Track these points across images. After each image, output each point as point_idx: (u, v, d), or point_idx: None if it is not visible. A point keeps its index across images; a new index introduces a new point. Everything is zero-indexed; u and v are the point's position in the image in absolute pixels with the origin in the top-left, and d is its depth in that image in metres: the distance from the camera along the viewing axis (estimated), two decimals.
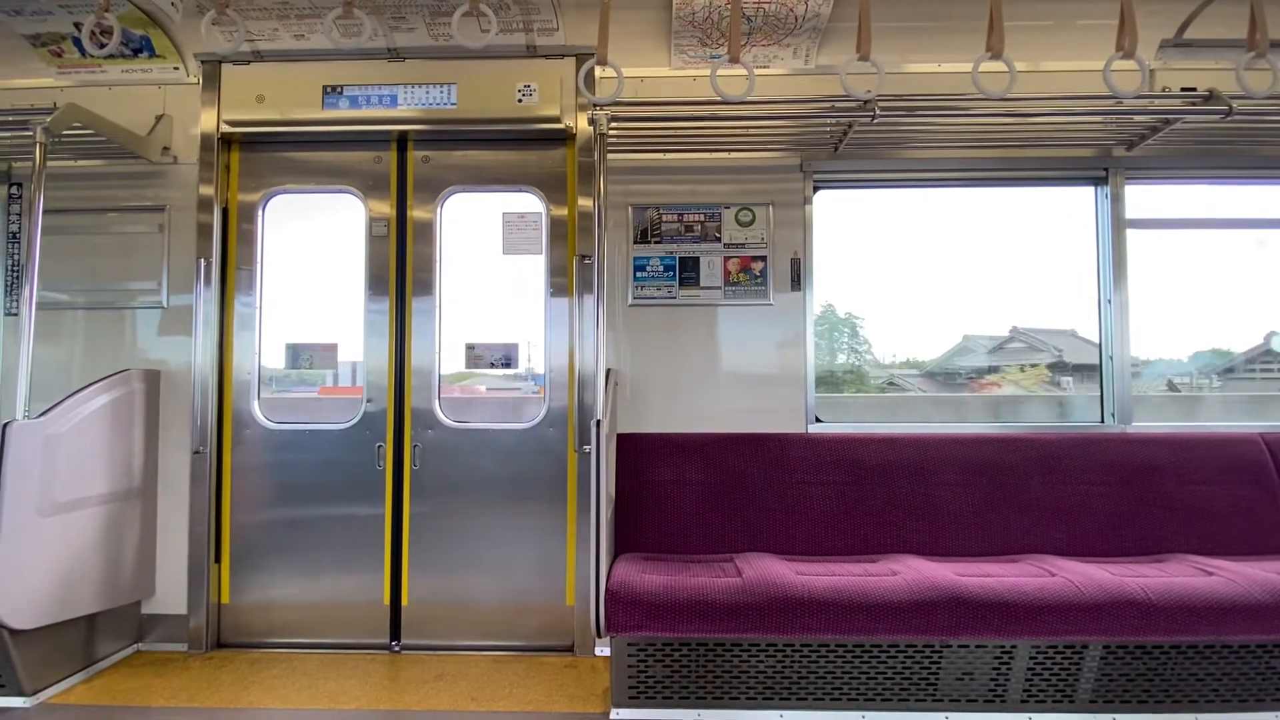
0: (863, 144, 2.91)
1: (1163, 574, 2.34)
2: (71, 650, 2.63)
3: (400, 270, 3.10)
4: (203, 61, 3.05)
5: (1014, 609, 2.14)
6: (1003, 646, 2.21)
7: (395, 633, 3.01)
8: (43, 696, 2.48)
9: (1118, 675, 2.22)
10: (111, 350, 3.06)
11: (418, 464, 3.03)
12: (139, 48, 2.98)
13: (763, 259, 3.03)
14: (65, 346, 3.09)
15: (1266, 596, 2.15)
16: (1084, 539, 2.69)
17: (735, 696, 2.26)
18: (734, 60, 2.35)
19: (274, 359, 3.16)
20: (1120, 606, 2.14)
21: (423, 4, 2.77)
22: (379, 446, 3.04)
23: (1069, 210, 3.14)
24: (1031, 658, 2.22)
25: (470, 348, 3.12)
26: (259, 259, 3.12)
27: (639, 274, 3.04)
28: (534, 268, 3.10)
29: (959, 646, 2.22)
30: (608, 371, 2.58)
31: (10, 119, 2.67)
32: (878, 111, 2.57)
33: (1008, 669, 2.22)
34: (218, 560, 3.03)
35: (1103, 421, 3.05)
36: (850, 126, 2.71)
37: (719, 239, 3.04)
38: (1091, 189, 3.11)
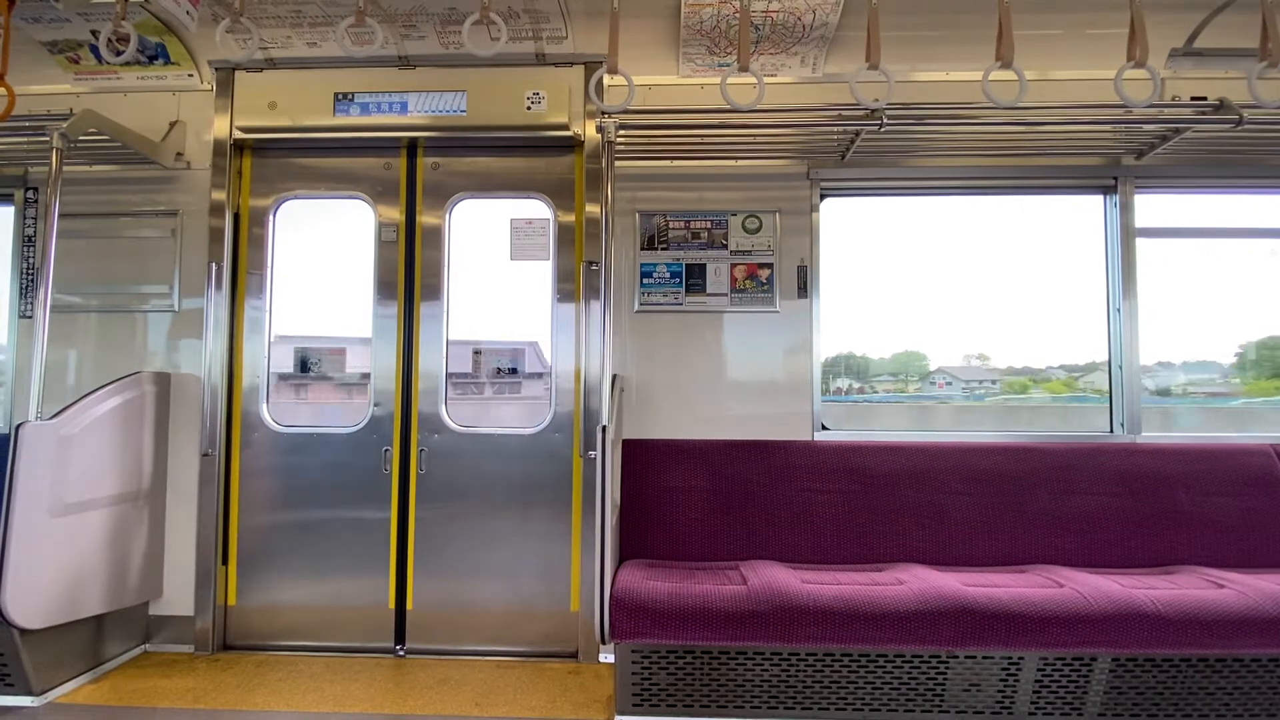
0: (870, 152, 2.91)
1: (1173, 586, 2.31)
2: (79, 650, 2.65)
3: (409, 275, 3.12)
4: (216, 69, 3.09)
5: (1021, 620, 2.13)
6: (1010, 658, 2.19)
7: (400, 637, 3.01)
8: (50, 696, 2.49)
9: (1127, 688, 2.20)
10: (123, 353, 3.09)
11: (424, 468, 3.04)
12: (154, 55, 3.02)
13: (769, 266, 3.03)
14: (78, 349, 3.12)
15: (1278, 610, 2.13)
16: (1093, 549, 2.67)
17: (740, 705, 2.25)
18: (742, 69, 2.36)
19: (283, 362, 3.18)
20: (1129, 619, 2.12)
21: (434, 13, 2.79)
22: (386, 450, 3.05)
23: (1078, 219, 3.13)
24: (1039, 669, 2.20)
25: (477, 352, 3.14)
26: (269, 263, 3.15)
27: (645, 280, 3.05)
28: (541, 273, 3.11)
29: (966, 657, 2.20)
30: (614, 377, 2.58)
31: (27, 124, 2.71)
32: (885, 120, 2.58)
33: (1015, 680, 2.20)
34: (225, 562, 3.05)
35: (1111, 431, 3.02)
36: (858, 135, 2.71)
37: (726, 246, 3.04)
38: (1101, 198, 3.10)
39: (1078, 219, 3.15)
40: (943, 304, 3.23)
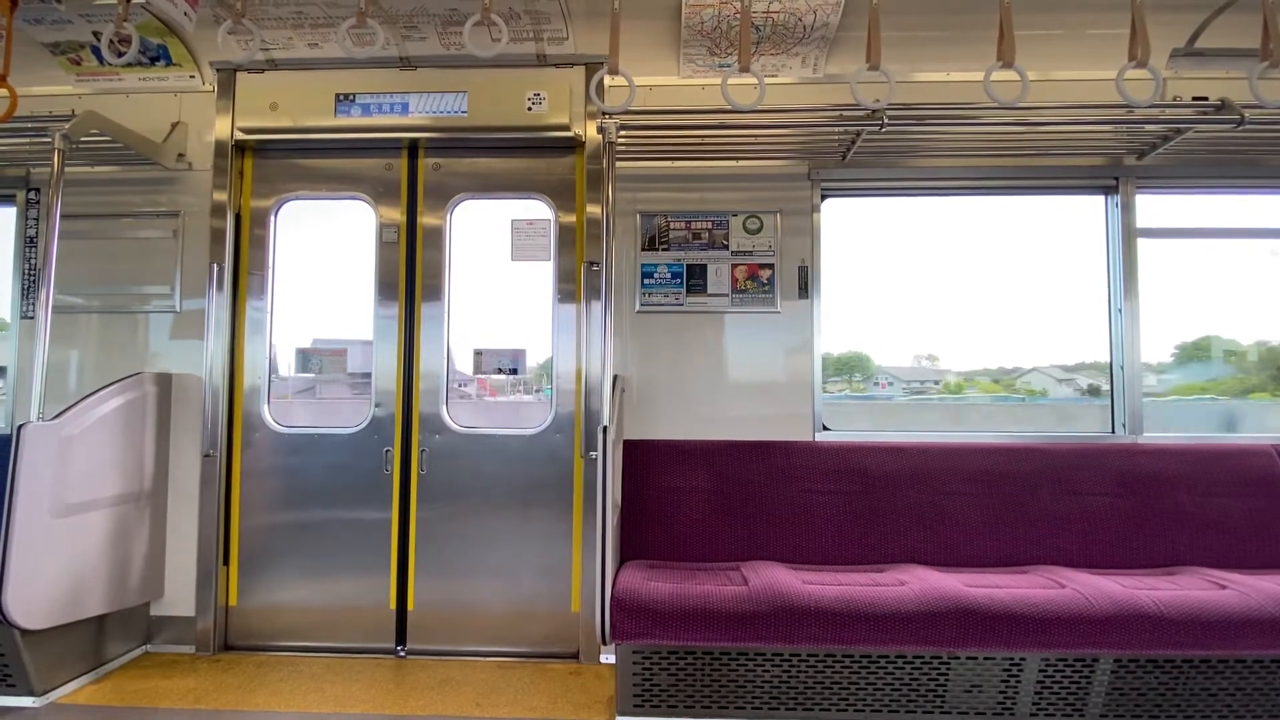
0: (871, 152, 2.91)
1: (1175, 587, 2.31)
2: (81, 651, 2.65)
3: (410, 276, 3.12)
4: (218, 70, 3.09)
5: (1023, 621, 2.12)
6: (1011, 659, 2.19)
7: (401, 637, 3.01)
8: (52, 696, 2.50)
9: (1129, 689, 2.19)
10: (125, 354, 3.09)
11: (425, 469, 3.04)
12: (156, 56, 3.02)
13: (770, 267, 3.03)
14: (79, 350, 3.12)
15: None
16: (1094, 550, 2.67)
17: (741, 706, 2.25)
18: (743, 69, 2.36)
19: (285, 363, 3.18)
20: (1131, 619, 2.12)
21: (434, 14, 2.80)
22: (387, 451, 3.05)
23: (1079, 219, 3.13)
24: (1041, 670, 2.19)
25: (478, 353, 3.14)
26: (270, 264, 3.16)
27: (646, 281, 3.05)
28: (542, 274, 3.11)
29: (967, 658, 2.20)
30: (615, 378, 2.58)
31: (29, 125, 2.72)
32: (886, 120, 2.58)
33: (1017, 681, 2.20)
34: (226, 563, 3.05)
35: (1113, 431, 3.02)
36: (859, 135, 2.71)
37: (726, 246, 3.04)
38: (1102, 198, 3.10)
39: (1071, 219, 3.15)
40: (942, 304, 3.23)
